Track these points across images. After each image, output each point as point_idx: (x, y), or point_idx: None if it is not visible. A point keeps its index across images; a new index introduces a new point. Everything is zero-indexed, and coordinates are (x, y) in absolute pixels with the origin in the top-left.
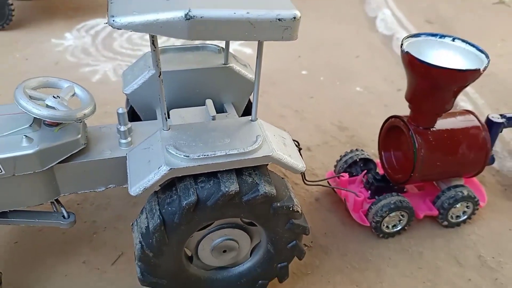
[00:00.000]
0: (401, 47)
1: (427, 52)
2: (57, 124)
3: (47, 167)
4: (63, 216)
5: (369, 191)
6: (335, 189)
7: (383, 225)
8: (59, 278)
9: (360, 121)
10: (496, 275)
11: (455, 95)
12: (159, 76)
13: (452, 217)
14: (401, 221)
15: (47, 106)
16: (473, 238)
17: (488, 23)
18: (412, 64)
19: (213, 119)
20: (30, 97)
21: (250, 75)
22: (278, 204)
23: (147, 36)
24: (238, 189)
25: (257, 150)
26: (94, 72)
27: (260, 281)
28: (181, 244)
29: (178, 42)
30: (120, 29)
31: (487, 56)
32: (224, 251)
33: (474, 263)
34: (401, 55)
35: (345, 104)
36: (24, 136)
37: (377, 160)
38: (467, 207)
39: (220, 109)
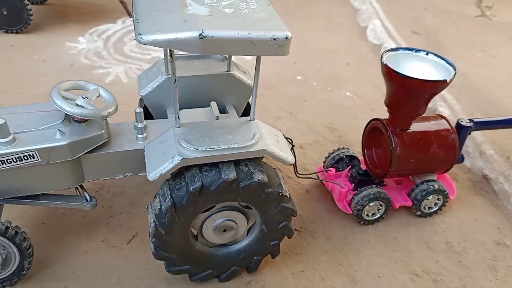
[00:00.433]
0: (381, 59)
1: (404, 64)
2: (85, 121)
3: (76, 157)
4: (86, 200)
5: (353, 184)
6: (323, 181)
7: (364, 213)
8: (81, 254)
9: (348, 123)
10: (460, 258)
11: (426, 102)
12: (174, 82)
13: (424, 208)
14: (380, 210)
15: (77, 105)
16: (442, 227)
17: (470, 34)
18: (390, 74)
19: (216, 119)
20: (64, 97)
21: (249, 81)
22: (270, 190)
23: None
24: (236, 176)
25: (254, 145)
26: (107, 74)
27: (255, 257)
28: (188, 224)
29: None
30: (146, 45)
31: (454, 69)
32: (225, 230)
33: (442, 248)
34: (381, 67)
35: (335, 107)
36: (58, 130)
37: (361, 157)
38: (438, 199)
39: (222, 110)
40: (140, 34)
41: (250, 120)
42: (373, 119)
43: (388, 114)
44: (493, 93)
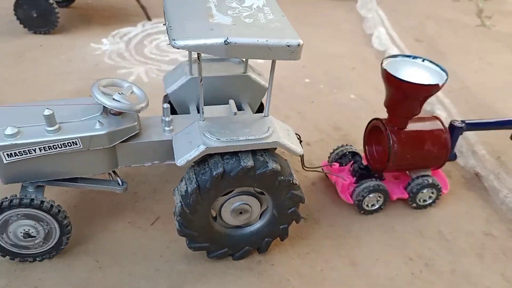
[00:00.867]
0: (381, 65)
1: (402, 70)
2: (120, 114)
3: (112, 145)
4: (118, 184)
5: (355, 177)
6: (327, 174)
7: (364, 204)
8: (110, 233)
9: (352, 123)
10: (451, 245)
11: (421, 104)
12: (200, 81)
13: (419, 200)
14: (378, 201)
15: (114, 99)
16: (436, 218)
17: (469, 43)
18: (389, 79)
19: (234, 115)
20: (103, 93)
21: (263, 82)
22: (282, 178)
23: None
24: (253, 164)
25: (269, 137)
26: (129, 74)
27: (266, 239)
28: (209, 205)
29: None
30: (179, 49)
31: (446, 74)
32: (240, 213)
33: (434, 236)
34: (381, 72)
35: (340, 108)
36: (97, 121)
37: (362, 153)
38: (432, 193)
39: (238, 108)
40: (174, 40)
41: (264, 116)
42: (373, 119)
43: (387, 114)
44: (487, 98)
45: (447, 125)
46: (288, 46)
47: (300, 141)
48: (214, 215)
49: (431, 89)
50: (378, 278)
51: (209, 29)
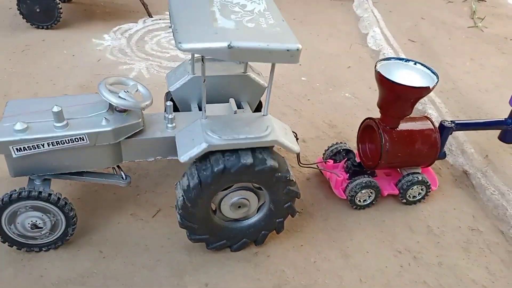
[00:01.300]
0: (375, 67)
1: (395, 72)
2: (126, 111)
3: (117, 141)
4: (122, 177)
5: (348, 174)
6: (322, 171)
7: (357, 199)
8: (113, 225)
9: (346, 121)
10: (438, 240)
11: (412, 105)
12: (203, 82)
13: (409, 196)
14: (370, 197)
15: (120, 97)
16: (424, 213)
17: (461, 44)
18: (382, 81)
19: (235, 113)
20: (109, 91)
21: (262, 82)
22: (279, 174)
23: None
24: (252, 161)
25: (267, 136)
26: (131, 69)
27: (263, 232)
28: (210, 199)
29: None
30: (185, 51)
31: (437, 77)
32: (239, 207)
33: (423, 231)
34: (375, 74)
35: (335, 106)
36: (104, 118)
37: (355, 151)
38: (421, 189)
39: (238, 106)
40: (180, 43)
41: (263, 115)
42: (366, 118)
43: (380, 114)
44: (477, 99)
45: (437, 125)
46: (287, 50)
47: (297, 139)
48: (214, 208)
49: (422, 91)
50: (368, 270)
51: (213, 33)
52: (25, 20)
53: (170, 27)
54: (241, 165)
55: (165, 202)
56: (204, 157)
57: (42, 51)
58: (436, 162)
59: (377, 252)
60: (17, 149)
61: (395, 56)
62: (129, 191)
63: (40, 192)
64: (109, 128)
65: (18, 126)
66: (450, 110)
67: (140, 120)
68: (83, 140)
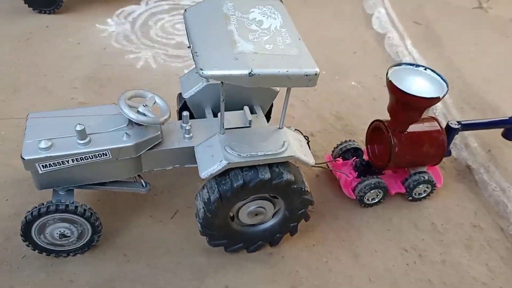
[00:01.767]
0: (386, 75)
1: (406, 78)
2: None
3: (138, 154)
4: (142, 185)
5: (357, 173)
6: (332, 170)
7: (365, 199)
8: (134, 228)
9: (353, 112)
10: (442, 237)
11: (421, 113)
12: (222, 101)
13: (415, 194)
14: (378, 196)
15: (138, 111)
16: (429, 210)
17: (465, 27)
18: (393, 89)
19: (250, 123)
20: (129, 106)
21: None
22: (295, 186)
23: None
24: (270, 176)
25: (284, 151)
26: (137, 59)
27: (277, 235)
28: (229, 210)
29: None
30: (206, 78)
31: (447, 85)
32: (256, 214)
33: (427, 228)
34: (386, 82)
35: (342, 96)
36: (125, 133)
37: (364, 148)
38: (427, 187)
39: (251, 110)
40: (202, 70)
41: (279, 128)
42: (376, 120)
43: (389, 117)
44: (481, 88)
45: (443, 124)
46: (306, 75)
47: (308, 141)
48: (232, 215)
49: (432, 102)
50: (376, 269)
51: (233, 59)
52: (26, 4)
53: (189, 47)
54: (259, 180)
55: (182, 203)
56: (224, 172)
57: (47, 39)
58: None
59: (385, 251)
60: (42, 165)
61: (406, 62)
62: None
63: (67, 206)
64: (130, 144)
65: (43, 144)
66: (455, 101)
67: (159, 132)
68: (106, 155)
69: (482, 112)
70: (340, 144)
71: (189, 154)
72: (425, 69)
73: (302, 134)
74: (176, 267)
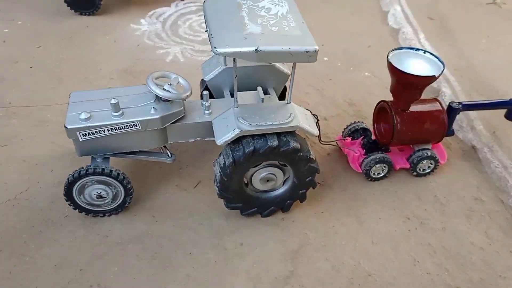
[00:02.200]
0: (387, 57)
1: (406, 61)
2: (169, 100)
3: (164, 126)
4: (168, 156)
5: (364, 150)
6: (341, 147)
7: (371, 172)
8: (162, 194)
9: (365, 100)
10: (444, 208)
11: (420, 91)
12: (235, 77)
13: (420, 170)
14: (384, 170)
15: (164, 89)
16: (433, 185)
17: (478, 21)
18: (393, 70)
19: (262, 101)
20: (156, 84)
21: (286, 70)
22: (301, 154)
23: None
24: (278, 144)
25: (290, 122)
26: (167, 54)
27: (288, 201)
28: (242, 175)
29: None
30: (219, 55)
31: (443, 65)
32: (267, 181)
33: (430, 200)
34: (387, 63)
35: (356, 85)
36: (152, 107)
37: (372, 129)
38: (430, 163)
39: (265, 91)
40: (216, 48)
41: (287, 103)
42: (381, 101)
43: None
44: (490, 77)
45: (446, 106)
46: (306, 52)
47: (318, 120)
48: (246, 182)
49: (429, 80)
50: (379, 233)
51: (243, 39)
52: (69, 7)
53: (206, 31)
54: (268, 146)
55: (204, 175)
56: (237, 140)
57: (87, 37)
58: (447, 138)
59: (388, 219)
60: (83, 134)
61: (406, 46)
62: (173, 165)
63: (103, 169)
64: (157, 116)
65: (83, 116)
66: (464, 88)
67: (182, 108)
68: (136, 126)
69: (489, 98)
70: (350, 125)
71: (208, 128)
72: (424, 52)
73: (316, 117)
74: (198, 227)
